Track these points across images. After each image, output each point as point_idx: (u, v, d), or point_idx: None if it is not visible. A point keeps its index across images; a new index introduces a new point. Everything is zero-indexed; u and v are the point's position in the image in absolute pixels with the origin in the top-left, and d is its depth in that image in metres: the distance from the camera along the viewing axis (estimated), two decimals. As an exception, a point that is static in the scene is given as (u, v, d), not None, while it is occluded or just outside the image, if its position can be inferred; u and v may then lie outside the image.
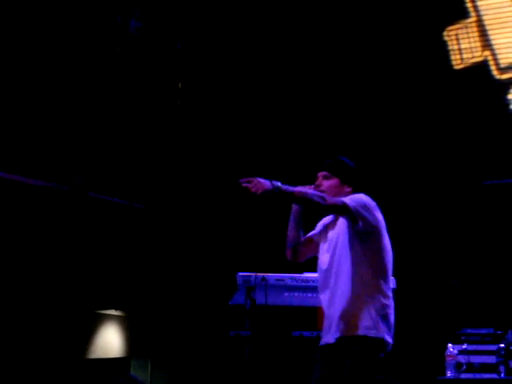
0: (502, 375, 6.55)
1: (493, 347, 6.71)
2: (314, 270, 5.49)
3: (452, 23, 9.09)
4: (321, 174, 4.76)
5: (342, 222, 4.62)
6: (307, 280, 5.43)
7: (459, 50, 9.05)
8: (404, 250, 4.93)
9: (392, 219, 8.66)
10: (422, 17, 9.14)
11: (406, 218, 8.48)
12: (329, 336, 4.56)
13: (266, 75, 9.41)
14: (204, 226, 9.01)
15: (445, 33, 9.11)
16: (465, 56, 9.03)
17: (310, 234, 4.92)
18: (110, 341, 8.72)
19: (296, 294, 5.49)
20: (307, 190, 4.53)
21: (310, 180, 4.81)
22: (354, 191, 4.69)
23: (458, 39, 9.06)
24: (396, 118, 9.08)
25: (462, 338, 6.87)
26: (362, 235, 4.49)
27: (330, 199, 4.50)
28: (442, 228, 8.43)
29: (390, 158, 8.97)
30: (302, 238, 4.91)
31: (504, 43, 8.87)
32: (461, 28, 9.06)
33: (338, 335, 4.50)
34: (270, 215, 8.99)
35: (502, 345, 6.63)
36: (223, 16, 9.43)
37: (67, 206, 7.66)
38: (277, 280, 5.41)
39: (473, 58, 8.99)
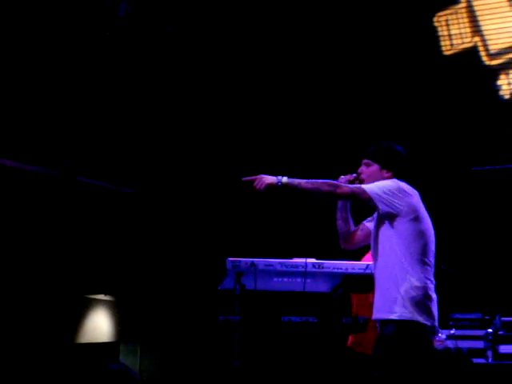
0: (490, 360, 6.58)
1: (481, 332, 6.74)
2: (305, 256, 5.51)
3: (442, 9, 9.09)
4: (363, 161, 4.81)
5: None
6: (296, 265, 5.43)
7: (449, 35, 9.05)
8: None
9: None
10: (413, 2, 9.13)
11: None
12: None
13: (258, 59, 9.39)
14: (194, 211, 9.01)
15: (435, 18, 9.10)
16: (455, 42, 9.03)
17: (365, 220, 4.96)
18: (99, 326, 8.73)
19: (285, 280, 5.49)
20: (317, 180, 4.53)
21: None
22: (395, 176, 4.70)
23: (448, 25, 9.06)
24: (386, 103, 9.08)
25: (450, 323, 6.90)
26: (388, 219, 4.53)
27: (346, 187, 4.52)
28: (430, 213, 8.44)
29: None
30: (354, 227, 4.94)
31: (494, 29, 8.87)
32: (451, 14, 9.06)
33: (374, 318, 4.58)
34: (260, 201, 9.01)
35: (490, 330, 6.66)
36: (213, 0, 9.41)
37: (56, 190, 7.65)
38: (266, 265, 5.40)
39: (463, 43, 8.99)
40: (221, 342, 6.66)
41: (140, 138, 8.63)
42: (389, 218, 4.54)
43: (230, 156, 9.22)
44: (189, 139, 9.06)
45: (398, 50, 9.10)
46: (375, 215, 4.73)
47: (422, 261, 4.57)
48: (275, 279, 5.50)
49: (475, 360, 6.61)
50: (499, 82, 8.79)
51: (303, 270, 5.39)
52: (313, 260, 5.53)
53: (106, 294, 8.73)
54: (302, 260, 5.49)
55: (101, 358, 2.91)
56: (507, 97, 8.76)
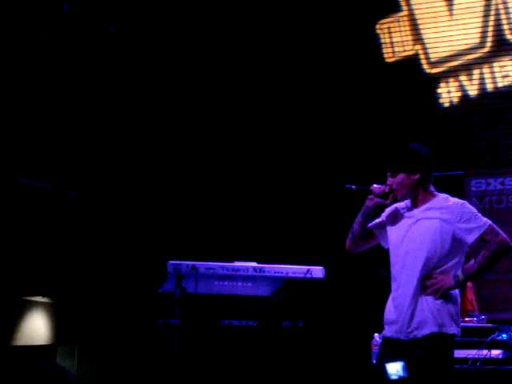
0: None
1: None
2: (246, 259, 5.51)
3: (384, 17, 9.20)
4: (388, 173, 4.67)
5: (434, 224, 4.50)
6: (237, 269, 5.44)
7: (391, 43, 9.16)
8: (334, 240, 4.98)
9: (324, 212, 8.75)
10: (355, 10, 9.22)
11: (337, 211, 8.56)
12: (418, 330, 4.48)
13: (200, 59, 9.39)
14: (135, 213, 8.96)
15: (377, 26, 9.21)
16: (396, 49, 9.14)
17: (373, 224, 4.76)
18: (36, 328, 8.62)
19: (226, 283, 5.49)
20: (484, 254, 4.44)
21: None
22: (423, 175, 4.60)
23: (390, 33, 9.17)
24: (327, 109, 9.14)
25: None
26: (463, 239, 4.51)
27: (501, 234, 4.43)
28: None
29: (321, 150, 9.04)
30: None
31: (434, 38, 9.01)
32: (393, 22, 9.18)
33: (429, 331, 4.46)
34: (201, 204, 9.00)
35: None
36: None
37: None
38: (207, 269, 5.40)
39: (404, 51, 9.11)
40: (160, 345, 6.64)
41: (83, 139, 8.55)
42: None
43: (172, 158, 9.18)
44: (131, 141, 9.00)
45: (340, 57, 9.17)
46: (412, 217, 4.58)
47: None
48: (216, 283, 5.50)
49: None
50: (439, 90, 8.92)
51: (244, 273, 5.40)
52: (254, 264, 5.54)
53: (43, 296, 8.62)
54: (243, 264, 5.50)
55: (36, 360, 2.89)
56: (447, 105, 8.90)
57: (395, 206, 4.72)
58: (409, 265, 4.48)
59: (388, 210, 4.73)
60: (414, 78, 9.00)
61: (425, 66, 9.00)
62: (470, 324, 6.69)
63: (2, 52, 7.72)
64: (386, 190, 4.66)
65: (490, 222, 4.45)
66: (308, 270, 5.43)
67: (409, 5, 9.12)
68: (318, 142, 9.08)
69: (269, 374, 5.98)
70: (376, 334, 6.78)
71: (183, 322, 5.32)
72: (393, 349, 4.46)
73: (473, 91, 8.82)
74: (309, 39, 9.24)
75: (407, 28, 9.10)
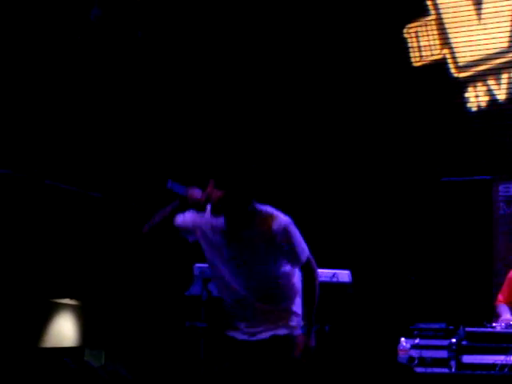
0: (453, 370, 6.62)
1: (445, 342, 6.77)
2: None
3: (412, 21, 9.17)
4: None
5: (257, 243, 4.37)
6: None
7: (418, 47, 9.13)
8: (363, 244, 4.98)
9: (351, 215, 8.73)
10: (383, 14, 9.20)
11: (365, 214, 8.55)
12: None
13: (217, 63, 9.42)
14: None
15: (405, 30, 9.18)
16: (424, 53, 9.11)
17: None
18: (64, 330, 8.68)
19: (252, 286, 5.49)
20: (311, 295, 4.42)
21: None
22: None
23: (417, 37, 9.14)
24: (355, 113, 9.13)
25: (415, 332, 6.92)
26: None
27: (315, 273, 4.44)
28: (399, 223, 8.50)
29: (350, 154, 9.03)
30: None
31: (462, 42, 8.97)
32: (421, 26, 9.15)
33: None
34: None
35: (454, 340, 6.69)
36: (183, 3, 9.42)
37: (24, 193, 7.60)
38: (234, 272, 5.40)
39: (432, 55, 9.08)
40: (187, 348, 6.66)
41: (108, 141, 8.60)
42: None
43: (194, 163, 9.22)
44: (158, 143, 9.04)
45: (368, 61, 9.16)
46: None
47: None
48: (242, 286, 5.49)
49: (439, 370, 6.63)
50: (467, 95, 8.88)
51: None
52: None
53: (71, 298, 8.68)
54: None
55: (63, 360, 2.90)
56: (474, 109, 8.86)
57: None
58: None
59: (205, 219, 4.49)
60: (442, 82, 8.96)
61: (452, 71, 8.96)
62: (497, 330, 6.64)
63: (31, 56, 7.79)
64: (201, 202, 4.39)
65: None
66: (334, 274, 5.44)
67: (437, 9, 9.09)
68: (343, 145, 9.08)
69: (294, 378, 5.97)
70: (403, 339, 6.75)
71: (209, 324, 5.33)
72: None
73: (501, 95, 8.77)
74: (337, 43, 9.24)
75: (435, 32, 9.07)
